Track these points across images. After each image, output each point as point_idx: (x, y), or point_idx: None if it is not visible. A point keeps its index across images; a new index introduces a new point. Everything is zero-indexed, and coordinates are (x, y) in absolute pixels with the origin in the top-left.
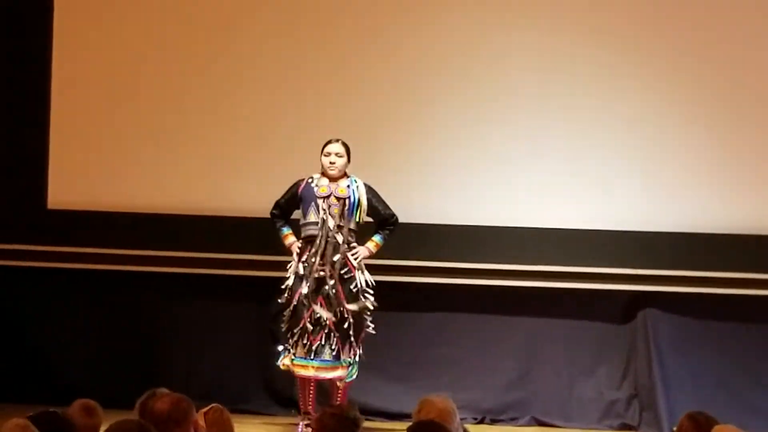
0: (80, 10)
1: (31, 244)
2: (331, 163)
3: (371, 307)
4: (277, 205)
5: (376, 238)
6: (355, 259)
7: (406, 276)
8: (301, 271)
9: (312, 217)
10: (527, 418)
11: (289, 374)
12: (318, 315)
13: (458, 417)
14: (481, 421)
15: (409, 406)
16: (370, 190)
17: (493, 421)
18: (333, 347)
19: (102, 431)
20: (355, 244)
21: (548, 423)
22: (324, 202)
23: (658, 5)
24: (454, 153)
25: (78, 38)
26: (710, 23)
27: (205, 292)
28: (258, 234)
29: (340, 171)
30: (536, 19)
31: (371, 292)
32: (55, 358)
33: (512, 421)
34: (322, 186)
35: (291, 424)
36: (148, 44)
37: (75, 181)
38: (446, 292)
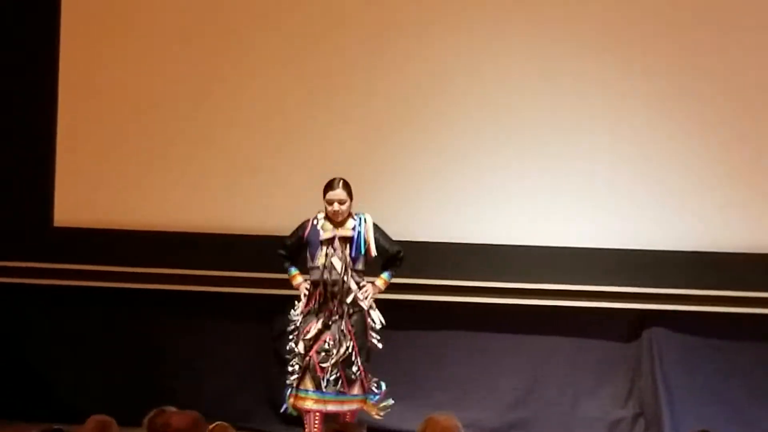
0: (88, 24)
1: (36, 262)
2: (335, 212)
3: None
4: (284, 245)
5: (385, 276)
6: (365, 298)
7: (409, 294)
8: (301, 319)
9: (319, 260)
10: None
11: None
12: (326, 348)
13: None
14: None
15: (413, 424)
16: (376, 228)
17: None
18: (340, 380)
19: None
20: (365, 284)
21: None
22: (329, 246)
23: (668, 19)
24: (459, 171)
25: (86, 55)
26: (724, 39)
27: (210, 309)
28: (262, 252)
29: (344, 215)
30: (540, 36)
31: (377, 332)
32: (59, 375)
33: None
34: (326, 230)
35: None
36: (157, 61)
37: (81, 198)
38: (450, 310)
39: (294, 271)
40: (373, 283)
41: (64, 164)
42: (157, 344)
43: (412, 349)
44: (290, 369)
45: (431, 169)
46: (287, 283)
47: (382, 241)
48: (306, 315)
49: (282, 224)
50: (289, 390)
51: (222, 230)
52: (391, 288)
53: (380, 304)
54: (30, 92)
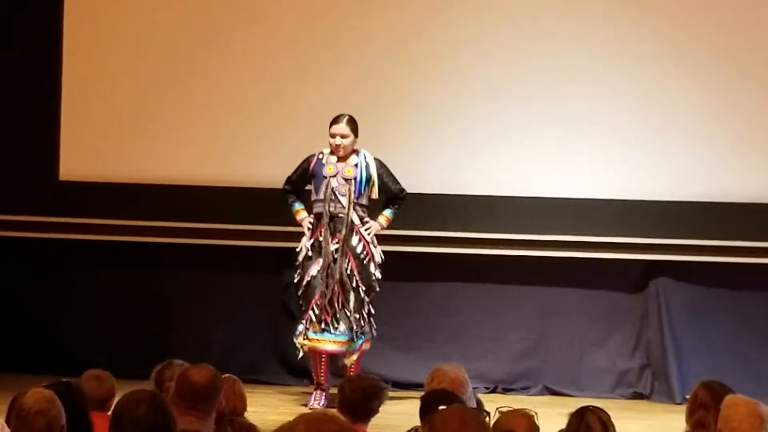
0: None
1: (42, 216)
2: (336, 145)
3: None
4: (288, 180)
5: (387, 213)
6: (368, 233)
7: (417, 246)
8: (310, 252)
9: (322, 194)
10: (539, 387)
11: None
12: (330, 291)
13: (470, 386)
14: (493, 391)
15: (421, 375)
16: (381, 165)
17: (505, 391)
18: (343, 322)
19: (115, 401)
20: (367, 219)
21: (560, 392)
22: (332, 180)
23: None
24: (466, 123)
25: (89, 8)
26: None
27: (218, 263)
28: (271, 205)
29: (346, 150)
30: None
31: (379, 272)
32: (66, 329)
33: (524, 390)
34: (329, 165)
35: (304, 393)
36: (161, 14)
37: (87, 152)
38: (457, 262)
39: (298, 206)
40: (375, 219)
41: (69, 118)
42: (165, 298)
43: (420, 301)
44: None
45: (439, 121)
46: (296, 237)
47: (385, 178)
48: (309, 252)
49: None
50: (297, 332)
51: (230, 183)
52: (398, 240)
53: (390, 255)
54: (34, 45)
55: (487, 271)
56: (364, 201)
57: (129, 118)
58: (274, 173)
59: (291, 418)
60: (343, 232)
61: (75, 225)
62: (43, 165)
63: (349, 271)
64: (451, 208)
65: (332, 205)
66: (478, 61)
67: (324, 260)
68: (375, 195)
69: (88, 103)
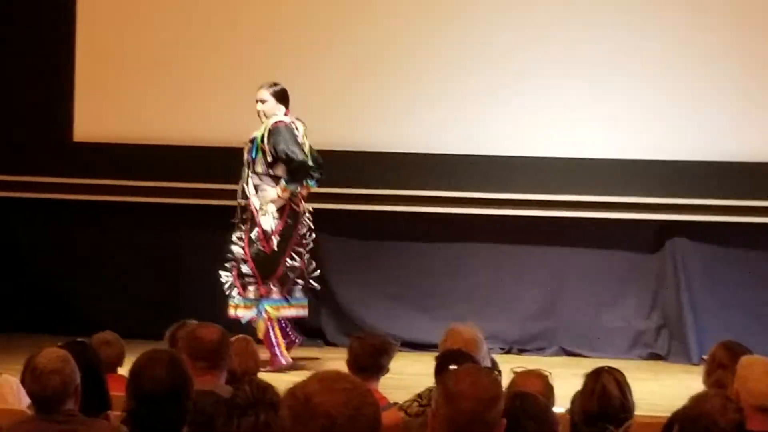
0: None
1: (56, 176)
2: (257, 111)
3: None
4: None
5: (282, 183)
6: (257, 201)
7: (432, 207)
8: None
9: None
10: (554, 348)
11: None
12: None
13: (485, 346)
14: (508, 351)
15: (436, 336)
16: (278, 132)
17: (520, 351)
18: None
19: (129, 361)
20: (265, 187)
21: (576, 353)
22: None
23: None
24: (480, 81)
25: None
26: None
27: (229, 223)
28: None
29: (265, 116)
30: None
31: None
32: (80, 289)
33: (539, 351)
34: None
35: (317, 352)
36: None
37: (100, 113)
38: (472, 222)
39: None
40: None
41: (83, 80)
42: (177, 258)
43: (434, 262)
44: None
45: (454, 80)
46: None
47: (280, 146)
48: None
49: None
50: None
51: (241, 144)
52: (411, 201)
53: (405, 216)
54: (48, 9)
55: (502, 232)
56: (260, 169)
57: (142, 80)
58: None
59: (304, 378)
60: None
61: (88, 186)
62: (57, 126)
63: (237, 237)
64: (464, 168)
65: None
66: (499, 14)
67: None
68: (268, 157)
69: (101, 65)
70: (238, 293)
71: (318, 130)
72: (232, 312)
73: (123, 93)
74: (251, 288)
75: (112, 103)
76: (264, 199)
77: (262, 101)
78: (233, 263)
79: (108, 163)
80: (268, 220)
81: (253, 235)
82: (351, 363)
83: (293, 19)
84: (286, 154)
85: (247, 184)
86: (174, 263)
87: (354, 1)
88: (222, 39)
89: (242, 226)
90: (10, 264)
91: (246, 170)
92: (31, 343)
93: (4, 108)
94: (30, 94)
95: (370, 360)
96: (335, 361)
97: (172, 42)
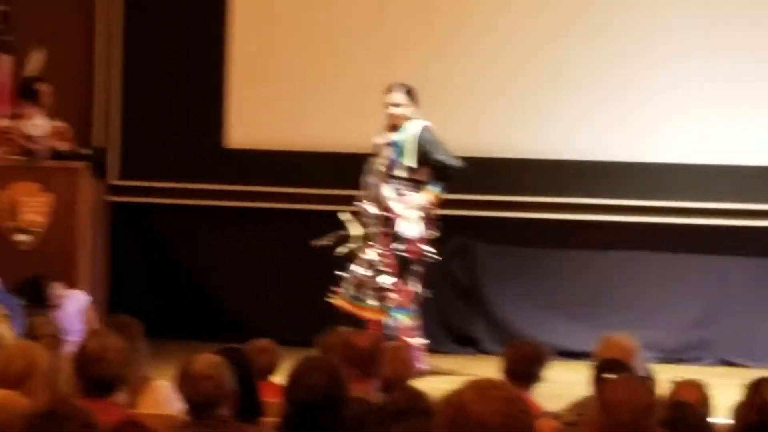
0: None
1: (208, 183)
2: (389, 114)
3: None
4: None
5: (430, 187)
6: (400, 205)
7: (590, 214)
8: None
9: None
10: (713, 357)
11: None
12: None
13: (641, 355)
14: (665, 361)
15: (590, 344)
16: (426, 135)
17: (677, 361)
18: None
19: (284, 369)
20: (405, 192)
21: (735, 362)
22: (379, 154)
23: None
24: (647, 90)
25: None
26: None
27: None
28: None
29: (399, 120)
30: None
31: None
32: (233, 295)
33: (697, 360)
34: (380, 136)
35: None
36: None
37: (252, 120)
38: (631, 230)
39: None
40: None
41: (234, 87)
42: (330, 264)
43: (589, 270)
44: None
45: (625, 89)
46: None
47: (426, 148)
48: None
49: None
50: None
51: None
52: (571, 208)
53: (559, 224)
54: (201, 15)
55: (661, 240)
56: (401, 173)
57: (293, 87)
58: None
59: (458, 386)
60: (376, 205)
61: (240, 192)
62: (210, 133)
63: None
64: (628, 176)
65: (370, 177)
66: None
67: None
68: (408, 161)
69: (253, 73)
70: (379, 298)
71: (468, 136)
72: (368, 315)
73: (274, 100)
74: (392, 295)
75: (263, 110)
76: (409, 204)
77: (397, 104)
78: (382, 268)
79: (259, 170)
80: (413, 227)
81: (397, 243)
82: (505, 371)
83: (438, 24)
84: (442, 160)
85: (382, 189)
86: (328, 269)
87: (500, 8)
88: (371, 46)
89: (374, 232)
90: (166, 270)
91: (378, 175)
92: (186, 350)
93: (159, 116)
94: (184, 102)
95: (524, 368)
96: (488, 369)
97: (322, 49)
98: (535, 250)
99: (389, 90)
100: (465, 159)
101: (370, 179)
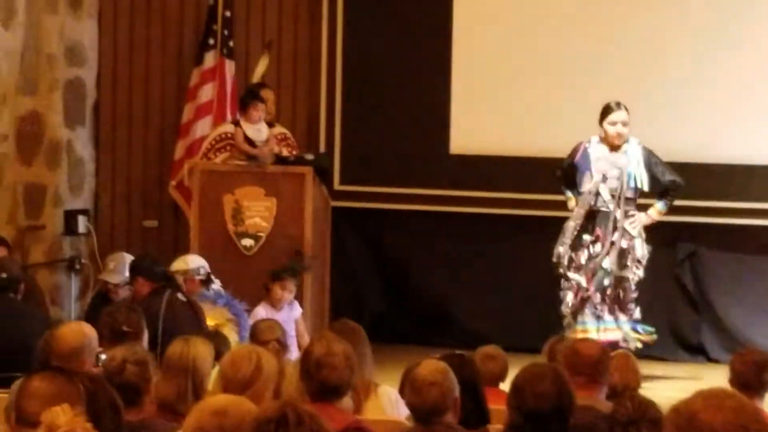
0: None
1: (435, 188)
2: (618, 134)
3: None
4: (560, 166)
5: (659, 206)
6: (633, 228)
7: None
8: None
9: (585, 186)
10: None
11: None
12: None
13: None
14: None
15: None
16: (650, 154)
17: None
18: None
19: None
20: (633, 212)
21: None
22: (599, 172)
23: None
24: None
25: None
26: None
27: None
28: None
29: (623, 139)
30: None
31: (642, 263)
32: (457, 301)
33: None
34: (599, 154)
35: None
36: None
37: (475, 126)
38: None
39: (569, 194)
40: (645, 212)
41: (458, 94)
42: (552, 270)
43: None
44: (565, 303)
45: None
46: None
47: (655, 169)
48: (575, 244)
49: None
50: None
51: None
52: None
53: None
54: (425, 28)
55: None
56: (630, 194)
57: (514, 94)
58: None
59: (687, 395)
60: (605, 226)
61: (464, 198)
62: (436, 140)
63: (610, 261)
64: None
65: (595, 198)
66: None
67: (587, 254)
68: (644, 183)
69: (476, 81)
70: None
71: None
72: (596, 335)
73: (497, 107)
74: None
75: (486, 116)
76: (637, 223)
77: (626, 123)
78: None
79: (482, 175)
80: (643, 246)
81: (629, 261)
82: (733, 380)
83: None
84: (674, 180)
85: (615, 212)
86: (546, 275)
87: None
88: (592, 55)
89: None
90: (389, 275)
91: (609, 197)
92: (409, 355)
93: (388, 123)
94: (410, 109)
95: (753, 377)
96: (717, 378)
97: (543, 57)
98: (764, 258)
99: (617, 107)
100: (692, 166)
101: (596, 200)
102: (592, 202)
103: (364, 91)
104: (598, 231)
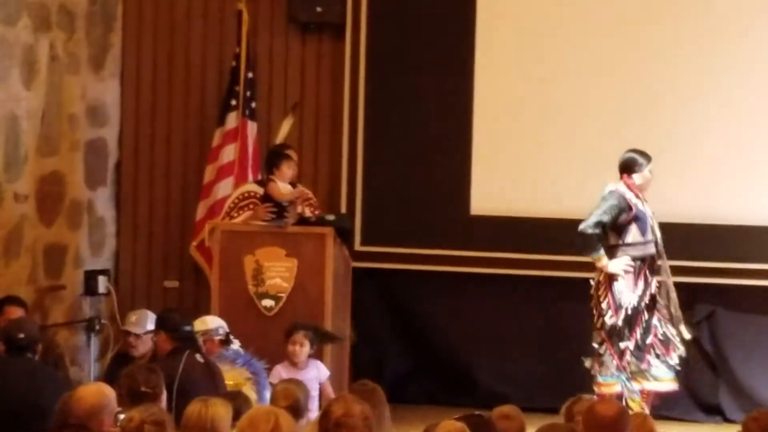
0: (500, 21)
1: (455, 249)
2: (648, 184)
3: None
4: (601, 224)
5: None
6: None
7: None
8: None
9: (650, 235)
10: None
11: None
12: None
13: None
14: None
15: None
16: None
17: None
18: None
19: None
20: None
21: None
22: (651, 219)
23: None
24: None
25: (499, 47)
26: None
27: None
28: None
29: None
30: None
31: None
32: (476, 361)
33: None
34: (640, 204)
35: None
36: (566, 53)
37: (496, 188)
38: None
39: (603, 252)
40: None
41: (479, 156)
42: (572, 331)
43: None
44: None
45: None
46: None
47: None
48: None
49: None
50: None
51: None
52: None
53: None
54: (445, 85)
55: None
56: None
57: (535, 155)
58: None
59: None
60: (662, 271)
61: (485, 259)
62: (456, 201)
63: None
64: None
65: (656, 245)
66: None
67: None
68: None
69: (496, 144)
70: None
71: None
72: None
73: (517, 168)
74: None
75: (507, 178)
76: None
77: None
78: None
79: (503, 236)
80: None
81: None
82: None
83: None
84: None
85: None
86: (569, 336)
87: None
88: (615, 119)
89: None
90: (413, 335)
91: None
92: (430, 415)
93: (410, 184)
94: (432, 171)
95: None
96: None
97: (563, 119)
98: None
99: (650, 159)
100: (710, 227)
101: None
102: (658, 250)
103: (386, 152)
104: (658, 275)
